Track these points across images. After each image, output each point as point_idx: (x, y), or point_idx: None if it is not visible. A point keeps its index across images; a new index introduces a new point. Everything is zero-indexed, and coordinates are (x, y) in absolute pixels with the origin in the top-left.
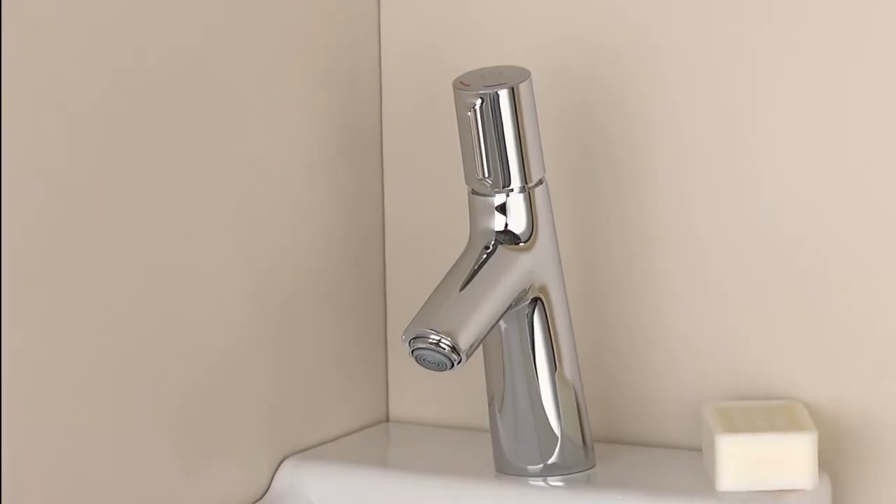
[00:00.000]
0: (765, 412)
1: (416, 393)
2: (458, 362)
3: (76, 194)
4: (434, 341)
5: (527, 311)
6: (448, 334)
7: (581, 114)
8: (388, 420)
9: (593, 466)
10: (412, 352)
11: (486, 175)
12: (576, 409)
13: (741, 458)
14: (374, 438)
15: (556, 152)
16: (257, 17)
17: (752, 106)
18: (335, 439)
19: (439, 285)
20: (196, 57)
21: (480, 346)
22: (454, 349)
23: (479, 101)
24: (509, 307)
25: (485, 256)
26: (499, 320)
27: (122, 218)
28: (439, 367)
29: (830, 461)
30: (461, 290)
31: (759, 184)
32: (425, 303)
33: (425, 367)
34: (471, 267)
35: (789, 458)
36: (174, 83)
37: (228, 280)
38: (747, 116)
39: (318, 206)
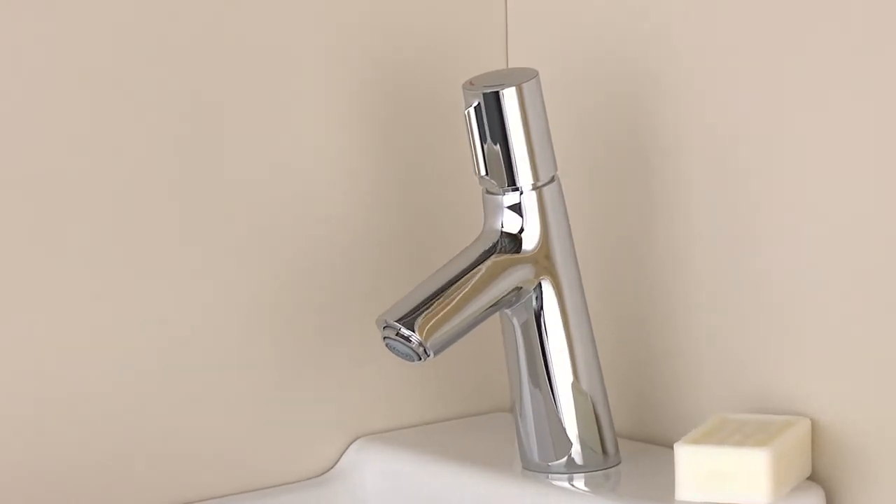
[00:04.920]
0: (761, 426)
1: None
2: (426, 357)
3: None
4: (404, 335)
5: (535, 314)
6: (418, 331)
7: (612, 115)
8: (511, 411)
9: (615, 465)
10: (384, 338)
11: (487, 173)
12: (593, 416)
13: (698, 469)
14: (464, 426)
15: (579, 154)
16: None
17: (771, 105)
18: (430, 423)
19: (426, 279)
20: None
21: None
22: (421, 344)
23: (476, 101)
24: (505, 306)
25: (479, 257)
26: (482, 320)
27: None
28: (408, 359)
29: (840, 477)
30: (446, 288)
31: (779, 191)
32: (408, 293)
33: (395, 355)
34: (463, 266)
35: (744, 472)
36: (243, 63)
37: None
38: (770, 116)
39: (434, 186)
